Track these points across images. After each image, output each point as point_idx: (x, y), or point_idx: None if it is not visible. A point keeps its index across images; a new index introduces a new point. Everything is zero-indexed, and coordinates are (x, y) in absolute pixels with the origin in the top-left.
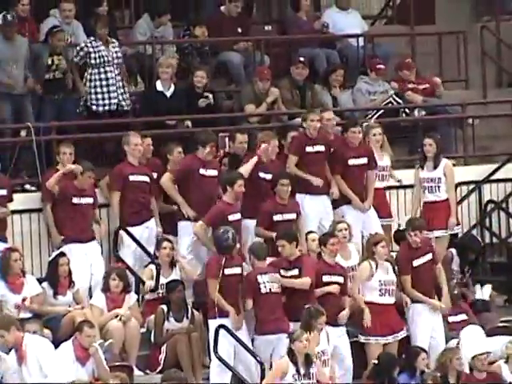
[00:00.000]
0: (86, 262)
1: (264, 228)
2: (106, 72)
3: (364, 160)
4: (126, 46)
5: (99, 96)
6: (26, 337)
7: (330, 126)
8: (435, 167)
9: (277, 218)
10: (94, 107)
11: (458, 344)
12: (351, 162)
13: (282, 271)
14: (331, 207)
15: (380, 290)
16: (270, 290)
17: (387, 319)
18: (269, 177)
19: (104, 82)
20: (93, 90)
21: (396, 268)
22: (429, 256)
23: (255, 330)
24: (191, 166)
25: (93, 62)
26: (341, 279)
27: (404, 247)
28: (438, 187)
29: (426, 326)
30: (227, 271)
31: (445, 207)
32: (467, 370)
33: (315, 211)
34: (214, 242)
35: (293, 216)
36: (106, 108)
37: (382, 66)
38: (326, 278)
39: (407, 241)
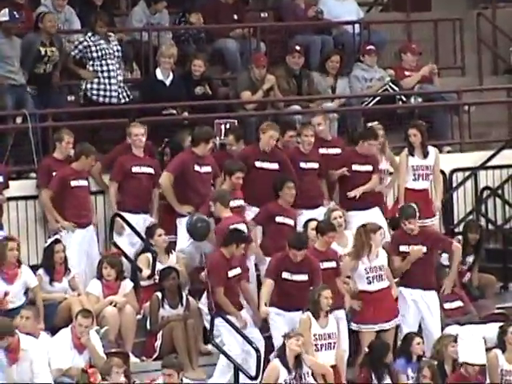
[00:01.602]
0: (84, 246)
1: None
2: (107, 65)
3: (368, 167)
4: (122, 32)
5: (101, 87)
6: (22, 340)
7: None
8: (425, 155)
9: (279, 219)
10: (95, 97)
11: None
12: (355, 167)
13: (284, 273)
14: None
15: (367, 278)
16: None
17: (380, 306)
18: (269, 165)
19: (106, 74)
20: (95, 80)
21: None
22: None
23: None
24: (187, 162)
25: (94, 55)
26: (333, 264)
27: (399, 231)
28: (430, 174)
29: (413, 311)
30: (230, 273)
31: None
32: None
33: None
34: (188, 231)
35: (291, 222)
36: (107, 100)
37: (372, 47)
38: None
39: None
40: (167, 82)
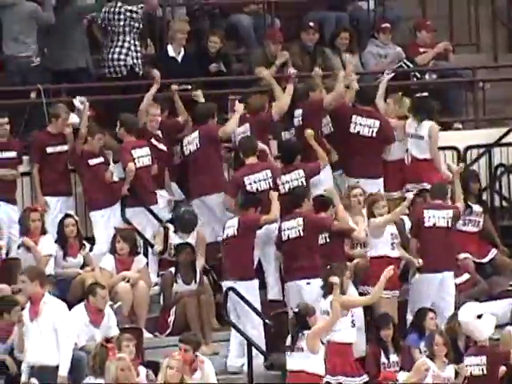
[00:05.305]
0: (111, 223)
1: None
2: (124, 41)
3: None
4: None
5: (115, 56)
6: (46, 296)
7: None
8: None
9: None
10: (113, 63)
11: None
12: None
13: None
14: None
15: (392, 244)
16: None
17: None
18: None
19: (124, 50)
20: (111, 51)
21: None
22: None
23: None
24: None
25: (114, 29)
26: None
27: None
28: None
29: (428, 293)
30: None
31: (429, 165)
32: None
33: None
34: (175, 222)
35: None
36: (123, 69)
37: (387, 25)
38: None
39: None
40: (179, 59)
